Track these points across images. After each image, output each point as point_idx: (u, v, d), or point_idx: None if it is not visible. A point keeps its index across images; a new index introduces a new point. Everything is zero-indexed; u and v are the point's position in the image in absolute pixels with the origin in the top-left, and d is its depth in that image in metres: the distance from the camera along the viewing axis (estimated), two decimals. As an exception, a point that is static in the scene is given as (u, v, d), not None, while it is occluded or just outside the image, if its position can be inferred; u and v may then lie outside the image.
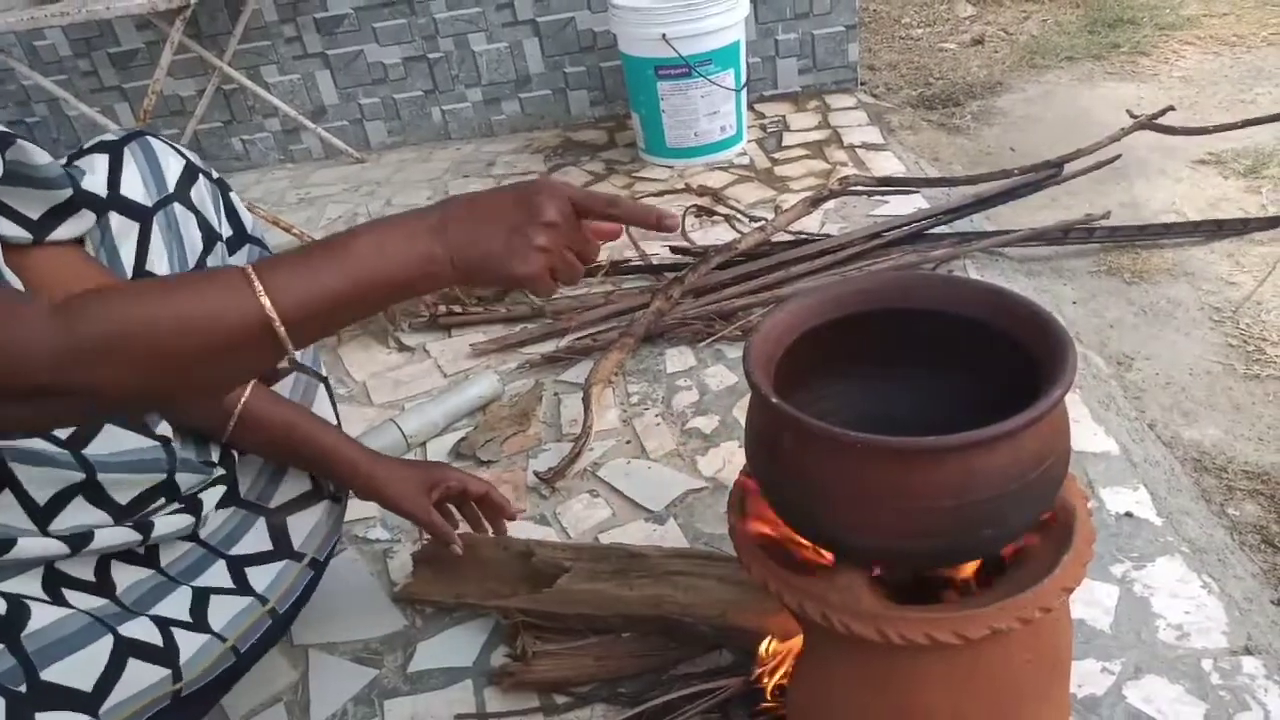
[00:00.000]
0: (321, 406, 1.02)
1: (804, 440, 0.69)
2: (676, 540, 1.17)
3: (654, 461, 1.32)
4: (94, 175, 0.85)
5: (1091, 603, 1.02)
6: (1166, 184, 1.96)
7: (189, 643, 0.82)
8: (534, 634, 1.02)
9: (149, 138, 0.90)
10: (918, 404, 0.83)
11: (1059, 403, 0.68)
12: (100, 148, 0.87)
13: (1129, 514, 1.13)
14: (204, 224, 0.91)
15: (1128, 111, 1.96)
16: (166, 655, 0.79)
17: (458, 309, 1.72)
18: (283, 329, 0.60)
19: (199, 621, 0.84)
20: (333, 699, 1.03)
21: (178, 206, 0.89)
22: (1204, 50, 2.64)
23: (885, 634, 0.69)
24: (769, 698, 0.90)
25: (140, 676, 0.76)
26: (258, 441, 0.94)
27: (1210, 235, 1.72)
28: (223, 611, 0.87)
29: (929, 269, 1.62)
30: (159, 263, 0.87)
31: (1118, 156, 1.84)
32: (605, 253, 1.86)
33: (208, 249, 0.91)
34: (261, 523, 0.95)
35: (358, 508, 1.29)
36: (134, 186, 0.87)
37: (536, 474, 1.30)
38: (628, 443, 1.36)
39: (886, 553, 0.71)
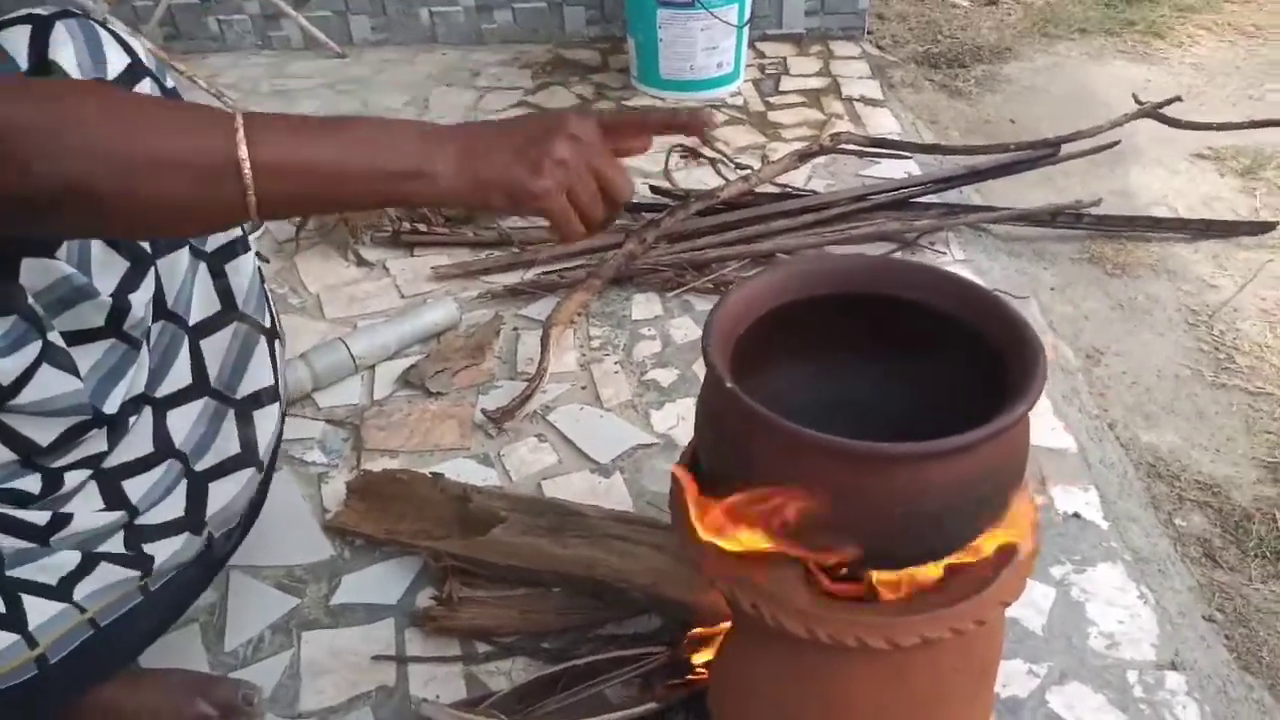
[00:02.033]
0: (259, 363, 0.89)
1: (755, 430, 0.66)
2: (620, 495, 1.15)
3: (607, 411, 1.28)
4: (14, 48, 0.73)
5: (1027, 603, 1.01)
6: (1162, 175, 1.92)
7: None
8: (462, 579, 0.99)
9: (94, 23, 0.78)
10: (882, 391, 0.80)
11: (1022, 419, 0.65)
12: (25, 19, 0.75)
13: (1076, 515, 1.12)
14: None
15: (1133, 96, 1.90)
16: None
17: (423, 227, 1.65)
18: (251, 180, 0.56)
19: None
20: (250, 625, 1.00)
21: None
22: (1220, 37, 2.58)
23: (814, 633, 0.67)
24: (694, 671, 0.88)
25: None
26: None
27: (1197, 234, 1.69)
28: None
29: (911, 238, 1.58)
30: None
31: (1117, 142, 1.79)
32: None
33: None
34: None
35: (295, 427, 1.26)
36: (66, 59, 0.75)
37: (485, 412, 1.26)
38: (583, 388, 1.33)
39: (825, 552, 0.69)
